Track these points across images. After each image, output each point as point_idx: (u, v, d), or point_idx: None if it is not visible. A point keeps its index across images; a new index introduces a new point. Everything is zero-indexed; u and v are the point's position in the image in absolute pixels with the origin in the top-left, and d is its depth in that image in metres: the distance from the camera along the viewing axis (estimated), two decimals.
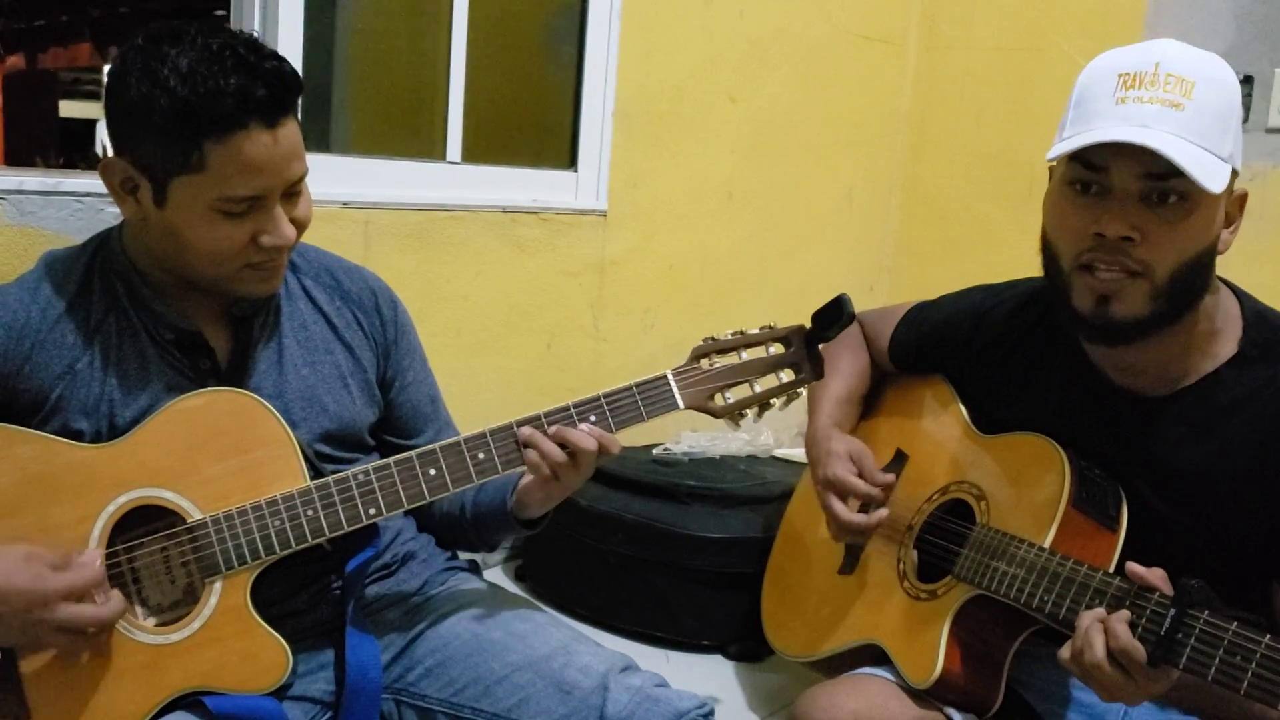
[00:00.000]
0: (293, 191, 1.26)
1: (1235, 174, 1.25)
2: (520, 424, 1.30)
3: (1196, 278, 1.27)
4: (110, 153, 1.24)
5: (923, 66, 3.33)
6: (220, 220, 1.21)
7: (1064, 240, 1.30)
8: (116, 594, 1.18)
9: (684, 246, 2.84)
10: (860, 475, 1.58)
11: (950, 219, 3.28)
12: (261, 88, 1.16)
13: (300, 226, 1.28)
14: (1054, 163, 1.30)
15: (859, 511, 1.57)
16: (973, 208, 3.22)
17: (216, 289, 1.29)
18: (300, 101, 1.24)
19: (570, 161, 2.62)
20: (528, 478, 1.37)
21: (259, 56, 1.18)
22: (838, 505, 1.58)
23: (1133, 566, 1.21)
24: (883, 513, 1.56)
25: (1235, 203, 1.29)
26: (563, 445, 1.29)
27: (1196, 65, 1.23)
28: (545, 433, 1.30)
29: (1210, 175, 1.18)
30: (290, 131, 1.22)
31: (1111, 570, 1.31)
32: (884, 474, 1.58)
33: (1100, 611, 1.21)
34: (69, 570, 1.15)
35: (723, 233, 2.94)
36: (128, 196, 1.24)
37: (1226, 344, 1.32)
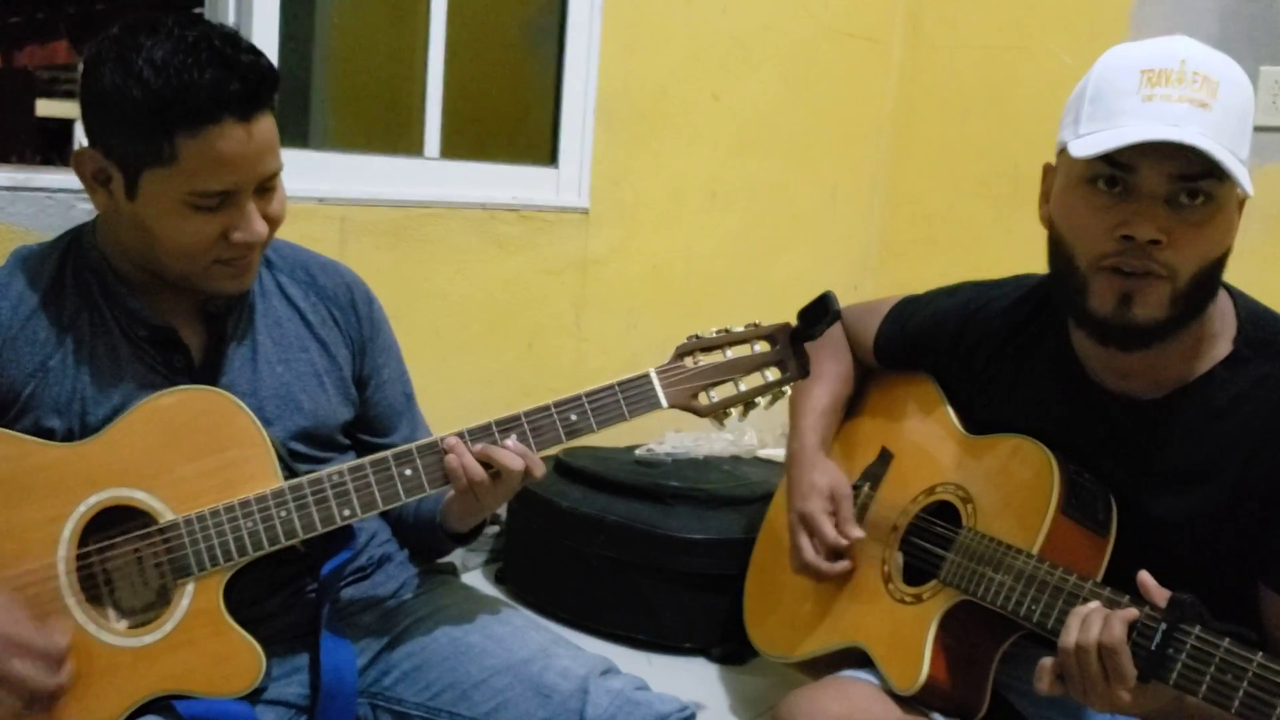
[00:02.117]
0: (266, 187, 1.23)
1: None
2: (499, 423, 1.28)
3: (1212, 282, 1.25)
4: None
5: (907, 65, 3.32)
6: (191, 214, 1.19)
7: (1084, 241, 1.25)
8: (68, 668, 1.15)
9: (667, 245, 2.83)
10: (834, 516, 1.58)
11: (935, 218, 3.27)
12: (236, 82, 1.14)
13: (274, 223, 1.26)
14: (1061, 157, 1.27)
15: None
16: (957, 207, 3.21)
17: (187, 285, 1.27)
18: (277, 96, 1.22)
19: (551, 158, 2.61)
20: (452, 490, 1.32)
21: (235, 50, 1.16)
22: (805, 543, 1.58)
23: (1144, 577, 1.18)
24: (845, 564, 1.57)
25: (1240, 206, 1.25)
26: (488, 464, 1.26)
27: (1218, 65, 1.20)
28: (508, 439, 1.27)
29: (1242, 176, 1.16)
30: (265, 126, 1.19)
31: (1100, 577, 1.29)
32: (855, 528, 1.57)
33: (1104, 610, 1.18)
34: (38, 631, 1.13)
35: (706, 232, 2.93)
36: (100, 188, 1.22)
37: (1220, 344, 1.30)
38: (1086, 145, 1.20)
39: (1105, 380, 1.36)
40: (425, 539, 1.47)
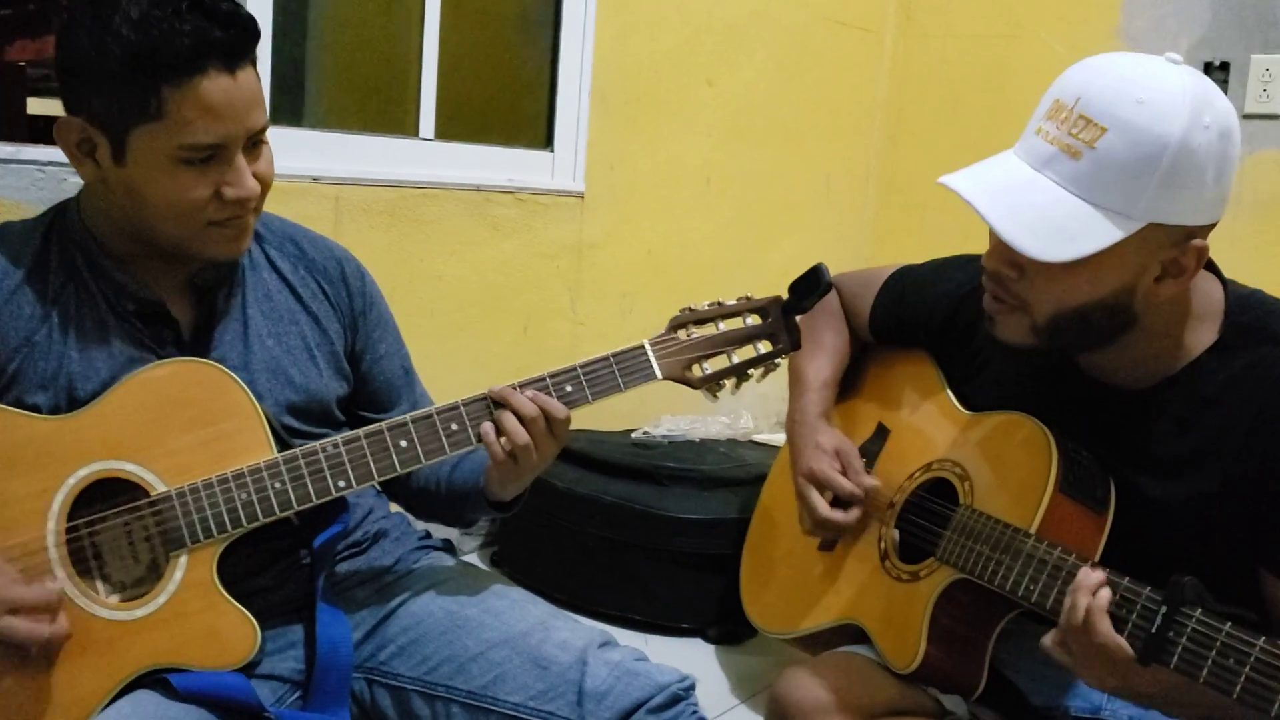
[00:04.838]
0: (255, 141, 1.22)
1: (1188, 229, 1.17)
2: (493, 393, 1.27)
3: (1093, 324, 1.24)
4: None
5: (900, 53, 3.33)
6: (182, 172, 1.17)
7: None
8: (62, 619, 1.15)
9: (662, 230, 2.83)
10: (843, 473, 1.56)
11: (927, 207, 3.28)
12: (218, 29, 1.13)
13: (264, 183, 1.24)
14: None
15: (836, 508, 1.56)
16: (949, 195, 3.20)
17: (182, 251, 1.25)
18: (258, 53, 1.21)
19: (546, 141, 2.61)
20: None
21: (213, 0, 1.15)
22: (816, 499, 1.56)
23: None
24: (857, 511, 1.55)
25: (1189, 254, 1.19)
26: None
27: (1119, 109, 1.13)
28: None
29: (1057, 241, 1.15)
30: (249, 78, 1.18)
31: (1099, 556, 1.28)
32: (868, 477, 1.56)
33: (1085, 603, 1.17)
34: (28, 587, 1.13)
35: (701, 218, 2.92)
36: (86, 158, 1.20)
37: (1206, 331, 1.28)
38: (955, 175, 1.26)
39: (1091, 372, 1.36)
40: (458, 508, 1.46)
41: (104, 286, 1.25)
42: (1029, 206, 1.17)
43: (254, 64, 1.20)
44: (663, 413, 2.58)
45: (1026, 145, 1.21)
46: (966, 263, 1.60)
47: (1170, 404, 1.29)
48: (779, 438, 2.31)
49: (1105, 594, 1.15)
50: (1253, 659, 1.06)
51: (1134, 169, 1.13)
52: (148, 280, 1.26)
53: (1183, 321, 1.28)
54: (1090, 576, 1.17)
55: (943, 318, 1.56)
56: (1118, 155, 1.13)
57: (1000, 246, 1.22)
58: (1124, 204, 1.14)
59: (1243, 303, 1.30)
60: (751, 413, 2.59)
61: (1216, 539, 1.27)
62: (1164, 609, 1.12)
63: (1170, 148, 1.12)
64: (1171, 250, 1.18)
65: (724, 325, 1.34)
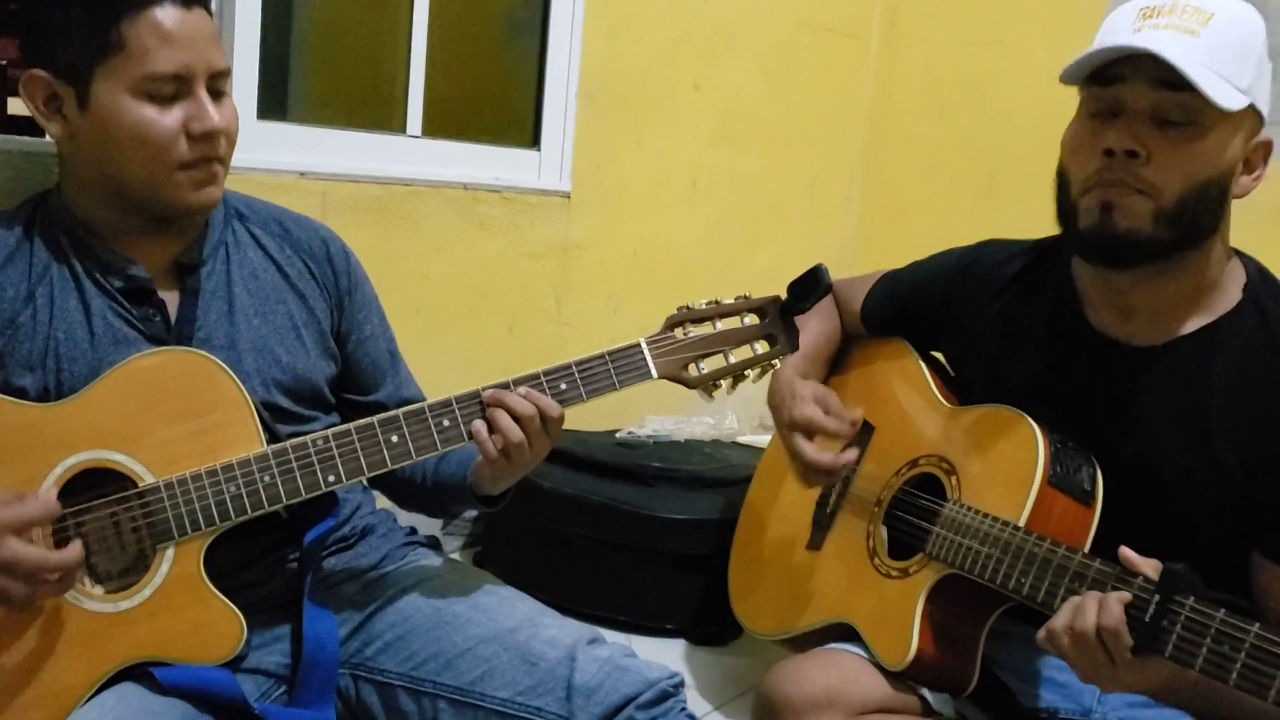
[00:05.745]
0: (216, 89, 1.24)
1: (1260, 118, 1.26)
2: (487, 390, 1.26)
3: (1204, 209, 1.26)
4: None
5: (885, 60, 3.34)
6: (146, 106, 1.19)
7: (1075, 165, 1.30)
8: (76, 542, 1.11)
9: (648, 232, 2.82)
10: (828, 413, 1.54)
11: (911, 212, 3.29)
12: None
13: (229, 136, 1.26)
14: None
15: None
16: (933, 201, 3.22)
17: (155, 201, 1.24)
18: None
19: (533, 140, 2.60)
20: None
21: None
22: (806, 445, 1.53)
23: (1125, 552, 1.18)
24: (852, 454, 1.54)
25: (1258, 150, 1.28)
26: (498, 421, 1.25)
27: (1221, 1, 1.24)
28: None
29: (1221, 92, 1.19)
30: (204, 17, 1.23)
31: (1087, 548, 1.28)
32: (852, 410, 1.54)
33: (1098, 593, 1.17)
34: (20, 503, 1.09)
35: (687, 220, 2.92)
36: (54, 115, 1.22)
37: (1227, 299, 1.31)
38: (1069, 69, 1.26)
39: (1105, 323, 1.36)
40: (443, 501, 1.45)
41: (90, 266, 1.25)
42: (1180, 61, 1.19)
43: (207, 8, 1.24)
44: (647, 413, 2.58)
45: (1138, 39, 1.22)
46: (958, 250, 1.60)
47: (1180, 363, 1.30)
48: (763, 439, 2.31)
49: (1124, 595, 1.15)
50: (1247, 645, 1.06)
51: (1243, 44, 1.23)
52: (134, 259, 1.26)
53: (1222, 262, 1.32)
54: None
55: (941, 292, 1.56)
56: (1229, 32, 1.22)
57: (1128, 126, 1.23)
58: (1235, 75, 1.21)
59: (1264, 277, 1.34)
60: (736, 414, 2.59)
61: (1208, 513, 1.28)
62: (1157, 598, 1.12)
63: (1261, 31, 1.25)
64: (1253, 140, 1.27)
65: (721, 325, 1.33)
